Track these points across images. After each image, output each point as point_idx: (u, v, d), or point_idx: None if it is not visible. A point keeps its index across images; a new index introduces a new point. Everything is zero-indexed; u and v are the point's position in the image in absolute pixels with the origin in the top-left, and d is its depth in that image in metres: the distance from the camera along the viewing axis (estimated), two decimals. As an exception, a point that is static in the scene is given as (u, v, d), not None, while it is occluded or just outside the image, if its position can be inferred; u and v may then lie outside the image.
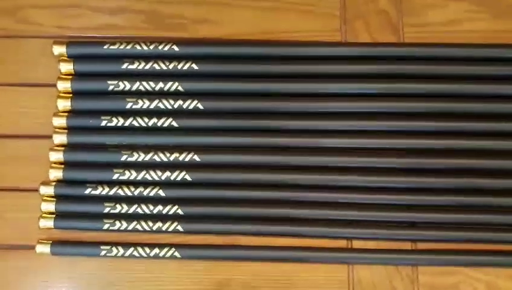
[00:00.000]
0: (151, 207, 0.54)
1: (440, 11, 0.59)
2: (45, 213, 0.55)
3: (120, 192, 0.54)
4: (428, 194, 0.53)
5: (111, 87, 0.56)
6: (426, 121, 0.54)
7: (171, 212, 0.54)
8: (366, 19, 0.59)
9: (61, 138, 0.55)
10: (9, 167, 0.57)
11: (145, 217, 0.54)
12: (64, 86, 0.56)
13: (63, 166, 0.55)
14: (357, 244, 0.54)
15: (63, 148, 0.55)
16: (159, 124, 0.55)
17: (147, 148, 0.55)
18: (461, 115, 0.55)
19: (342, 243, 0.54)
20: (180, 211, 0.54)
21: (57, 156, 0.55)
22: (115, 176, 0.54)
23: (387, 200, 0.54)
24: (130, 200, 0.54)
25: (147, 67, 0.56)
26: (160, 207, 0.54)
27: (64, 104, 0.56)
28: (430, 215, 0.53)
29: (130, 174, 0.54)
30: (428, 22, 0.58)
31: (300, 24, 0.59)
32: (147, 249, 0.53)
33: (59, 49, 0.57)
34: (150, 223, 0.53)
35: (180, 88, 0.55)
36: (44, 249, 0.54)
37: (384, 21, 0.59)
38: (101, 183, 0.54)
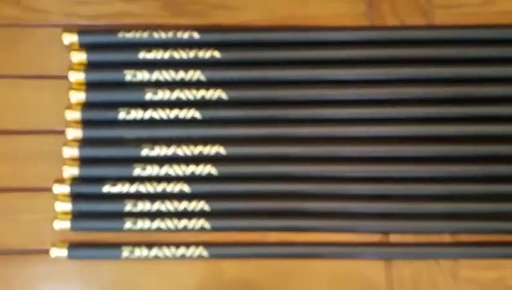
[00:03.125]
0: (176, 204, 0.50)
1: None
2: (60, 214, 0.51)
3: (141, 189, 0.50)
4: (468, 183, 0.51)
5: (128, 78, 0.52)
6: (463, 107, 0.51)
7: (197, 209, 0.50)
8: (393, 1, 0.56)
9: (75, 133, 0.52)
10: (19, 165, 0.53)
11: (169, 214, 0.50)
12: (76, 77, 0.52)
13: (77, 163, 0.51)
14: (393, 239, 0.51)
15: (77, 143, 0.52)
16: (181, 115, 0.51)
17: (169, 142, 0.51)
18: (497, 100, 0.52)
19: (378, 238, 0.52)
20: (206, 207, 0.50)
21: (72, 152, 0.51)
22: (136, 172, 0.50)
23: (423, 191, 0.51)
24: (152, 197, 0.50)
25: (166, 56, 0.52)
26: (185, 203, 0.50)
27: (78, 97, 0.52)
28: (469, 205, 0.50)
29: (152, 170, 0.50)
30: (460, 3, 0.56)
31: (324, 8, 0.55)
32: (173, 249, 0.49)
33: (69, 38, 0.53)
34: (175, 221, 0.50)
35: (202, 77, 0.52)
36: (60, 252, 0.50)
37: (413, 3, 0.56)
38: (121, 179, 0.51)
